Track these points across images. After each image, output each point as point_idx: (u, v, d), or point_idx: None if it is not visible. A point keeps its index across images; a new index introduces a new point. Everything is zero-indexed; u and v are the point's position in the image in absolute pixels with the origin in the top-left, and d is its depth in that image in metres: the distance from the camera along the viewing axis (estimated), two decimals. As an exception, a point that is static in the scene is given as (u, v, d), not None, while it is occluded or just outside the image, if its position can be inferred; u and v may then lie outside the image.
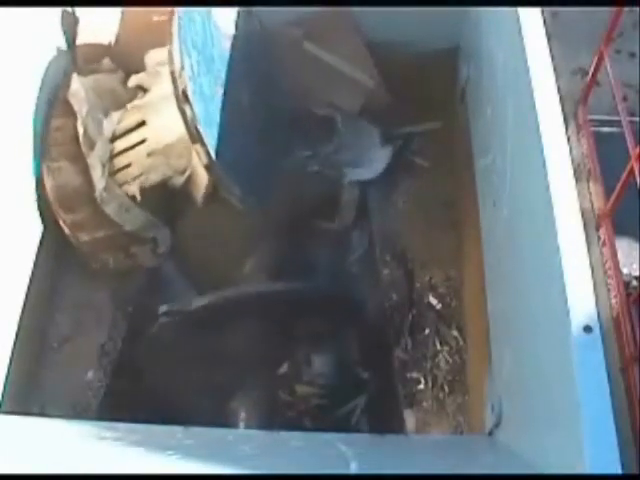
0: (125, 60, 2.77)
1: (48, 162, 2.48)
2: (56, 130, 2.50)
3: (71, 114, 2.50)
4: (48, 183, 2.49)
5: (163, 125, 2.44)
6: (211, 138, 2.44)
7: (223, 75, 2.59)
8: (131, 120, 2.49)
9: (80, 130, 2.47)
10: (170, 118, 2.42)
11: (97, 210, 2.51)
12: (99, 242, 2.58)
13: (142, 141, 2.49)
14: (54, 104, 2.54)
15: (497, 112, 2.39)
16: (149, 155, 2.47)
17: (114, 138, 2.49)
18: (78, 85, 2.50)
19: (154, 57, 2.56)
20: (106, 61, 2.71)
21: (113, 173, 2.50)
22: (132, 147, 2.50)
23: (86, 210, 2.53)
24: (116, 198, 2.51)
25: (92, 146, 2.48)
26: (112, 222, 2.54)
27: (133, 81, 2.55)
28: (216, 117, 2.49)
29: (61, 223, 2.55)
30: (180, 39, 2.32)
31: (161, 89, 2.43)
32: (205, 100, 2.46)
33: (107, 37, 2.84)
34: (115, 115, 2.49)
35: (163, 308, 2.55)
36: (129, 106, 2.50)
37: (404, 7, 2.72)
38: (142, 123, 2.49)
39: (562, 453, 1.55)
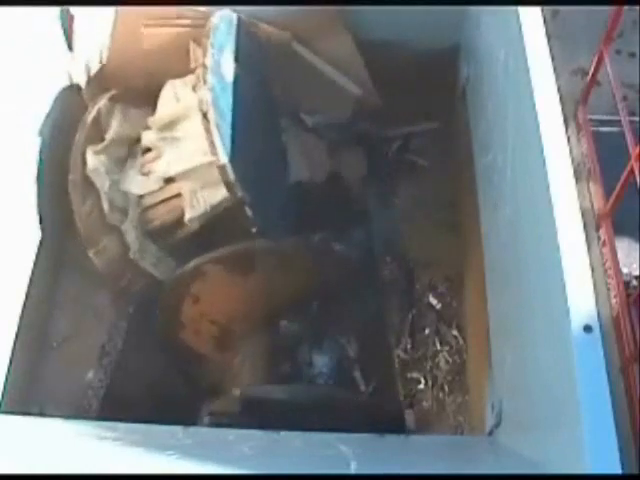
0: (121, 67, 2.84)
1: (94, 248, 2.62)
2: (88, 215, 2.63)
3: (93, 189, 2.64)
4: (99, 263, 2.63)
5: (206, 192, 2.61)
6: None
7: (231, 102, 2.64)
8: (154, 181, 2.66)
9: (105, 206, 2.62)
10: (211, 183, 2.56)
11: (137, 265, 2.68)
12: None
13: (175, 196, 2.64)
14: (75, 185, 2.64)
15: (497, 112, 2.39)
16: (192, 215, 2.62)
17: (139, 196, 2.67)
18: (95, 161, 2.64)
19: (160, 119, 2.67)
20: (104, 102, 2.76)
21: (144, 224, 2.66)
22: (161, 202, 2.66)
23: (130, 271, 2.68)
24: (149, 253, 2.67)
25: (122, 213, 2.64)
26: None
27: (145, 142, 2.70)
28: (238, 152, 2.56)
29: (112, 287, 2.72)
30: (219, 132, 2.43)
31: (189, 161, 2.59)
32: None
33: (103, 38, 2.85)
34: (133, 173, 2.66)
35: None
36: (151, 170, 2.66)
37: (404, 6, 2.72)
38: (170, 179, 2.64)
39: (562, 453, 1.55)
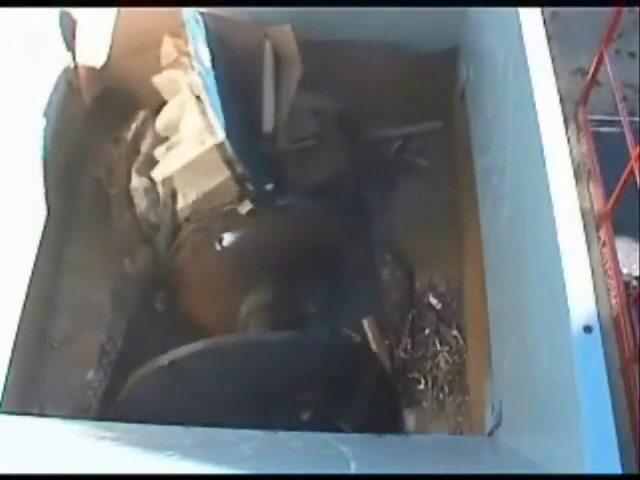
0: (122, 68, 2.83)
1: (129, 257, 2.72)
2: (126, 227, 2.75)
3: (132, 203, 2.72)
4: (132, 272, 2.71)
5: (200, 182, 2.63)
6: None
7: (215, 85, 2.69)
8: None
9: (140, 223, 2.71)
10: (204, 172, 2.61)
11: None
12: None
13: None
14: (116, 198, 2.76)
15: (497, 112, 2.39)
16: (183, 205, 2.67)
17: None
18: (137, 180, 2.72)
19: (166, 119, 2.71)
20: (141, 119, 2.82)
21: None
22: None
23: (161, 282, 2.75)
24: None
25: (155, 229, 2.70)
26: None
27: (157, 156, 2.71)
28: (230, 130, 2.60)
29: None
30: (214, 112, 2.52)
31: (186, 156, 2.61)
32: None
33: (104, 39, 2.85)
34: (165, 193, 2.68)
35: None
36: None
37: (404, 7, 2.72)
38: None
39: (562, 453, 1.55)
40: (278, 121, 2.84)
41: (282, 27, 2.90)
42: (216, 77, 2.65)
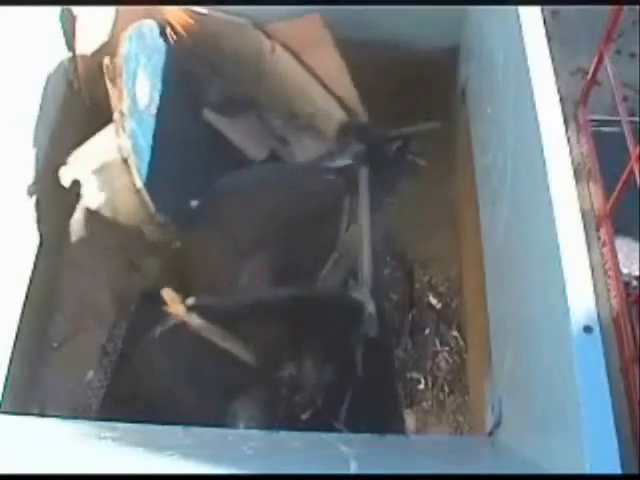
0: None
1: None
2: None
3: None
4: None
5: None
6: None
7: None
8: None
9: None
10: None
11: None
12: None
13: None
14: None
15: (497, 112, 2.39)
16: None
17: None
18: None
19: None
20: None
21: None
22: None
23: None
24: None
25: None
26: None
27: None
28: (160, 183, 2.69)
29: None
30: (139, 176, 2.59)
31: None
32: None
33: (103, 35, 2.85)
34: None
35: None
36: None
37: (404, 6, 2.72)
38: None
39: (562, 453, 1.55)
40: (357, 110, 2.86)
41: (285, 23, 2.89)
42: (156, 119, 2.68)
